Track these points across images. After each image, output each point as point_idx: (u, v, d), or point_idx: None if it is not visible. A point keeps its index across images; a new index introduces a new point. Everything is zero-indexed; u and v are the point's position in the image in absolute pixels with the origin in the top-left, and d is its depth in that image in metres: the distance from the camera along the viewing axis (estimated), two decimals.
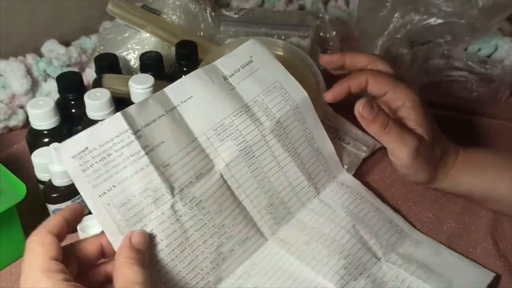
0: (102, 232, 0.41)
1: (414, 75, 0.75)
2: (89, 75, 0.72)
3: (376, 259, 0.49)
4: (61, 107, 0.58)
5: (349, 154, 0.60)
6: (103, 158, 0.42)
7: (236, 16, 0.77)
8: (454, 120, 0.70)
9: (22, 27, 0.72)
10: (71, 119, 0.60)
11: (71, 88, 0.60)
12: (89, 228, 0.48)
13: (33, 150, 0.53)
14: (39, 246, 0.36)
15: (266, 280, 0.47)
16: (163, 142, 0.45)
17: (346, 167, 0.58)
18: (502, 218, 0.56)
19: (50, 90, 0.70)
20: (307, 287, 0.46)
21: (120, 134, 0.43)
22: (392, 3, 0.77)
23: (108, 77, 0.62)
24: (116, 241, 0.41)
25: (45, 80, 0.71)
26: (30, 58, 0.71)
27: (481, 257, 0.53)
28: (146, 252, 0.40)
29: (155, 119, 0.45)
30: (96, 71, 0.66)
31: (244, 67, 0.52)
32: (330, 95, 0.54)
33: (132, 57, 0.71)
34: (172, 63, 0.68)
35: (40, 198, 0.52)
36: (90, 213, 0.45)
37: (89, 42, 0.77)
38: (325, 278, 0.47)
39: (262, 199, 0.50)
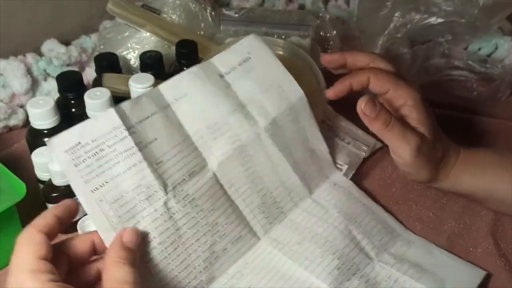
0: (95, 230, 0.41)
1: (415, 74, 0.75)
2: (89, 74, 0.72)
3: (368, 260, 0.49)
4: (61, 106, 0.58)
5: (349, 154, 0.60)
6: (96, 153, 0.41)
7: (236, 15, 0.77)
8: (454, 119, 0.70)
9: (22, 26, 0.72)
10: (71, 119, 0.59)
11: (71, 88, 0.60)
12: (89, 227, 0.48)
13: (33, 150, 0.53)
14: (27, 246, 0.36)
15: (259, 280, 0.47)
16: (156, 139, 0.45)
17: (346, 166, 0.58)
18: (503, 218, 0.56)
19: (50, 89, 0.69)
20: (300, 287, 0.46)
21: (113, 130, 0.43)
22: (393, 2, 0.77)
23: (108, 77, 0.62)
24: (108, 238, 0.40)
25: (45, 80, 0.71)
26: (30, 57, 0.71)
27: (482, 256, 0.52)
28: (137, 250, 0.40)
29: (148, 116, 0.45)
30: (96, 71, 0.66)
31: (241, 65, 0.51)
32: (331, 92, 0.54)
33: (132, 57, 0.71)
34: (172, 63, 0.68)
35: (40, 198, 0.52)
36: None
37: (89, 42, 0.76)
38: (319, 279, 0.46)
39: (255, 199, 0.49)
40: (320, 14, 0.80)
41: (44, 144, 0.53)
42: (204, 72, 0.49)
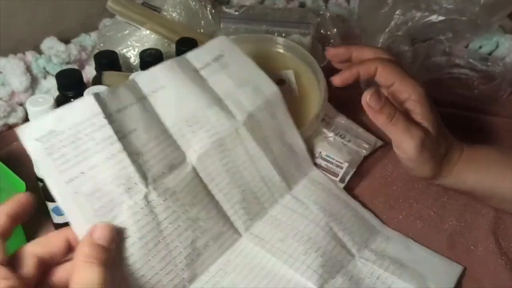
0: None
1: (415, 72, 0.75)
2: (88, 72, 0.71)
3: (350, 257, 0.49)
4: (61, 104, 0.57)
5: (350, 152, 0.59)
6: (72, 142, 0.39)
7: (237, 13, 0.77)
8: (455, 117, 0.70)
9: (22, 24, 0.71)
10: None
11: (70, 86, 0.60)
12: None
13: None
14: None
15: (243, 278, 0.45)
16: (135, 129, 0.43)
17: (347, 164, 0.58)
18: (504, 216, 0.56)
19: (50, 87, 0.69)
20: (285, 286, 0.45)
21: (92, 117, 0.41)
22: (393, 0, 0.77)
23: (108, 75, 0.62)
24: (83, 233, 0.38)
25: (45, 78, 0.71)
26: (29, 55, 0.71)
27: (483, 255, 0.52)
28: (111, 248, 0.37)
29: (127, 106, 0.44)
30: (96, 69, 0.66)
31: (215, 61, 0.51)
32: (338, 79, 0.54)
33: (132, 54, 0.71)
34: None
35: (39, 196, 0.52)
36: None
37: (89, 40, 0.76)
38: (303, 277, 0.46)
39: (235, 193, 0.48)
40: (321, 12, 0.79)
41: None
42: (180, 66, 0.49)
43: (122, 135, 0.42)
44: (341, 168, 0.58)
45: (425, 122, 0.51)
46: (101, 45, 0.73)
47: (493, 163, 0.53)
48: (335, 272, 0.47)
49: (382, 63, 0.53)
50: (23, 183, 0.47)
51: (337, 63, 0.58)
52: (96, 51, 0.71)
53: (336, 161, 0.58)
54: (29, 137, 0.38)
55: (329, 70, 0.59)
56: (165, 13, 0.73)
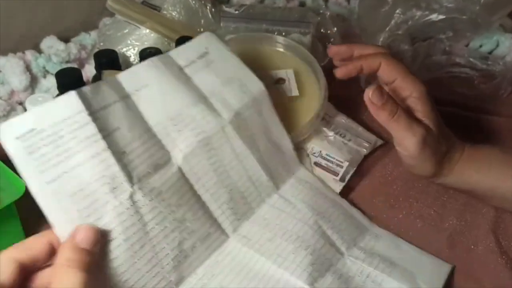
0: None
1: (416, 71, 0.74)
2: (88, 71, 0.71)
3: (340, 255, 0.49)
4: None
5: (350, 151, 0.59)
6: (54, 141, 0.38)
7: (237, 12, 0.77)
8: (455, 116, 0.70)
9: (22, 23, 0.71)
10: None
11: (70, 85, 0.59)
12: None
13: None
14: None
15: (231, 280, 0.44)
16: (119, 128, 0.42)
17: (347, 163, 0.58)
18: (504, 215, 0.56)
19: (49, 86, 0.69)
20: (275, 286, 0.45)
21: (75, 115, 0.39)
22: None
23: (107, 73, 0.61)
24: (66, 236, 0.36)
25: (44, 77, 0.71)
26: (29, 54, 0.71)
27: (483, 254, 0.52)
28: (94, 251, 0.36)
29: (110, 104, 0.42)
30: (96, 67, 0.66)
31: (200, 59, 0.50)
32: (341, 71, 0.54)
33: (132, 53, 0.71)
34: None
35: None
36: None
37: (89, 38, 0.76)
38: (293, 275, 0.45)
39: (222, 194, 0.47)
40: (321, 11, 0.79)
41: None
42: (164, 64, 0.48)
43: (106, 133, 0.41)
44: (341, 167, 0.57)
45: (426, 120, 0.51)
46: (101, 44, 0.73)
47: (495, 163, 0.53)
48: (325, 271, 0.47)
49: (386, 58, 0.53)
50: (23, 183, 0.47)
51: (338, 61, 0.58)
52: (96, 50, 0.71)
53: (337, 160, 0.58)
54: (8, 136, 0.37)
55: (329, 69, 0.59)
56: (165, 12, 0.73)
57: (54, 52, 0.71)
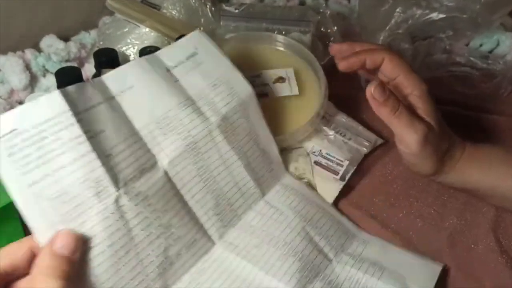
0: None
1: (416, 70, 0.74)
2: (88, 70, 0.71)
3: (328, 261, 0.48)
4: None
5: (350, 150, 0.59)
6: (36, 142, 0.37)
7: (237, 11, 0.77)
8: (456, 115, 0.69)
9: (22, 23, 0.71)
10: None
11: (70, 84, 0.59)
12: None
13: None
14: None
15: (218, 287, 0.44)
16: (104, 130, 0.40)
17: (347, 162, 0.57)
18: (504, 214, 0.56)
19: (49, 85, 0.69)
20: None
21: (58, 115, 0.38)
22: None
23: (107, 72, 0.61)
24: (46, 242, 0.35)
25: (44, 75, 0.71)
26: (29, 53, 0.70)
27: (483, 253, 0.52)
28: (74, 258, 0.35)
29: (95, 105, 0.41)
30: (96, 66, 0.66)
31: (188, 59, 0.49)
32: (344, 64, 0.54)
33: (132, 52, 0.70)
34: None
35: None
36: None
37: (88, 37, 0.76)
38: (281, 282, 0.44)
39: (209, 200, 0.47)
40: (321, 10, 0.79)
41: None
42: (150, 65, 0.47)
43: (91, 135, 0.39)
44: (342, 166, 0.57)
45: (427, 118, 0.51)
46: (101, 43, 0.72)
47: (495, 162, 0.53)
48: (313, 277, 0.46)
49: (389, 54, 0.53)
50: None
51: (340, 59, 0.58)
52: (96, 49, 0.71)
53: (337, 159, 0.58)
54: None
55: (329, 68, 0.59)
56: (164, 11, 0.73)
57: (54, 51, 0.71)
